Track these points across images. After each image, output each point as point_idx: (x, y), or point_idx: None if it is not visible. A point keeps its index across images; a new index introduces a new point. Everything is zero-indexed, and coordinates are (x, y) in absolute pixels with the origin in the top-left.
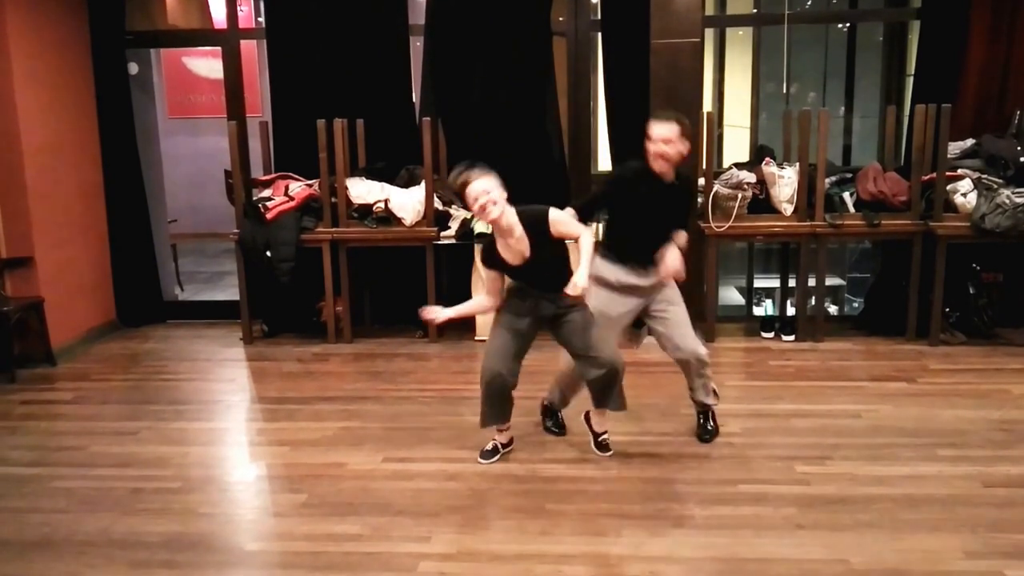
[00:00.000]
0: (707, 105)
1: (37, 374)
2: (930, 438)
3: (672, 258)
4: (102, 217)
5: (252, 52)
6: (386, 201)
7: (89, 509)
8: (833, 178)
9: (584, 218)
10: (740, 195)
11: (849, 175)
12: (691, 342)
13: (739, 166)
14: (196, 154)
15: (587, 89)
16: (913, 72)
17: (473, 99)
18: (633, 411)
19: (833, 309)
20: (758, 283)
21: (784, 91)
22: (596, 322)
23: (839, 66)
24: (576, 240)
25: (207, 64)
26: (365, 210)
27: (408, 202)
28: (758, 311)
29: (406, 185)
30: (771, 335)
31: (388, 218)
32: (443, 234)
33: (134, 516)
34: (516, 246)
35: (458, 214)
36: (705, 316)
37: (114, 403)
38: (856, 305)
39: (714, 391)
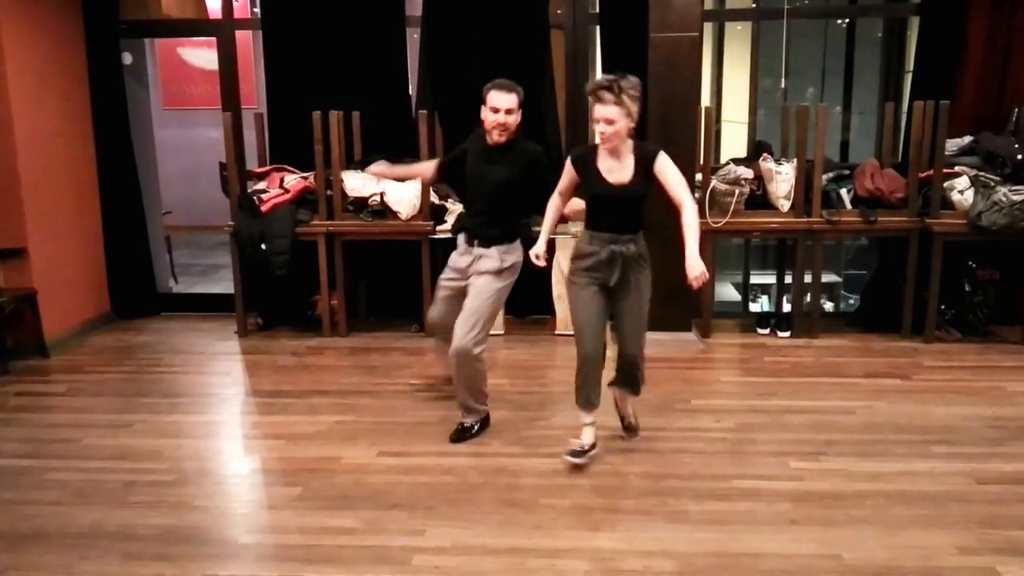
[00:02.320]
0: (705, 100)
1: (30, 366)
2: (924, 435)
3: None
4: (96, 208)
5: (248, 43)
6: (382, 194)
7: (83, 501)
8: (830, 174)
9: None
10: (737, 191)
11: (846, 171)
12: (460, 335)
13: (736, 162)
14: (191, 145)
15: (584, 80)
16: (912, 68)
17: (470, 92)
18: None
19: (829, 306)
20: (754, 279)
21: (782, 86)
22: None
23: (838, 62)
24: (676, 203)
25: (202, 55)
26: (361, 203)
27: (404, 196)
28: (754, 307)
29: (401, 179)
30: (767, 331)
31: (384, 211)
32: (439, 228)
33: (128, 509)
34: (618, 168)
35: (454, 208)
36: (701, 312)
37: (108, 395)
38: (852, 302)
39: (482, 398)
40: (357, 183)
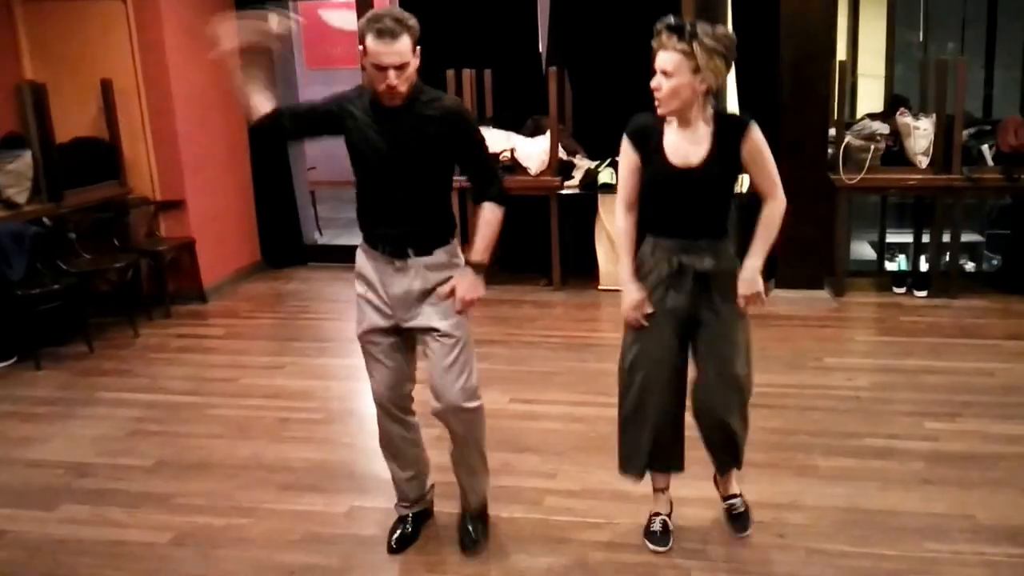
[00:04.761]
0: (840, 53)
1: (191, 310)
2: None
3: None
4: (246, 164)
5: (384, 4)
6: (512, 150)
7: (241, 436)
8: (971, 130)
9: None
10: (873, 147)
11: (988, 127)
12: (452, 390)
13: (872, 116)
14: None
15: None
16: None
17: (599, 49)
18: (758, 362)
19: (970, 266)
20: (891, 238)
21: (921, 39)
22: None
23: (980, 12)
24: (761, 200)
25: (341, 16)
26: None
27: (533, 151)
28: (890, 266)
29: (532, 135)
30: (903, 291)
31: (513, 167)
32: (567, 184)
33: (282, 443)
34: (689, 144)
35: (582, 164)
36: (835, 270)
37: (262, 339)
38: (995, 262)
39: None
40: (488, 140)
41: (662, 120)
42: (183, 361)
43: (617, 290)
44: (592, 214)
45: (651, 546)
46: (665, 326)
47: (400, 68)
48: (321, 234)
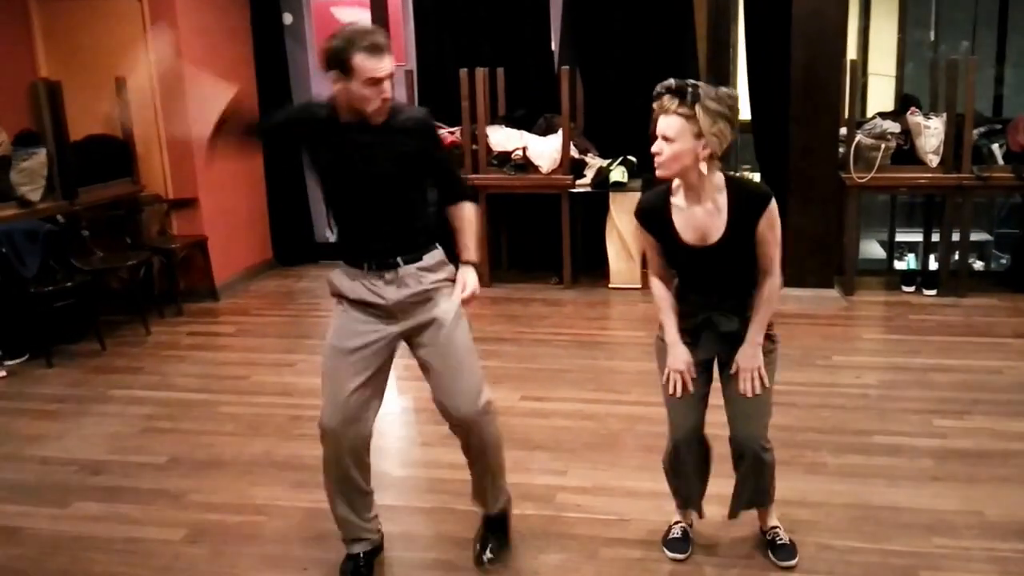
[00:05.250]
0: (851, 53)
1: (202, 308)
2: None
3: None
4: (259, 162)
5: (398, 2)
6: (524, 149)
7: (253, 433)
8: (982, 129)
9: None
10: (884, 145)
11: (999, 126)
12: (465, 399)
13: (883, 115)
14: None
15: (727, 34)
16: None
17: (611, 47)
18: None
19: (979, 265)
20: (900, 236)
21: (932, 38)
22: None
23: (992, 12)
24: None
25: (353, 14)
26: (504, 157)
27: (545, 150)
28: (899, 265)
29: (544, 133)
30: (912, 289)
31: (525, 165)
32: (578, 182)
33: (294, 441)
34: (702, 219)
35: (593, 162)
36: (844, 268)
37: (273, 336)
38: (1004, 262)
39: (507, 494)
40: (501, 138)
41: (668, 192)
42: (195, 359)
43: (628, 288)
44: (603, 212)
45: (669, 553)
46: (696, 362)
47: (390, 79)
48: (333, 232)
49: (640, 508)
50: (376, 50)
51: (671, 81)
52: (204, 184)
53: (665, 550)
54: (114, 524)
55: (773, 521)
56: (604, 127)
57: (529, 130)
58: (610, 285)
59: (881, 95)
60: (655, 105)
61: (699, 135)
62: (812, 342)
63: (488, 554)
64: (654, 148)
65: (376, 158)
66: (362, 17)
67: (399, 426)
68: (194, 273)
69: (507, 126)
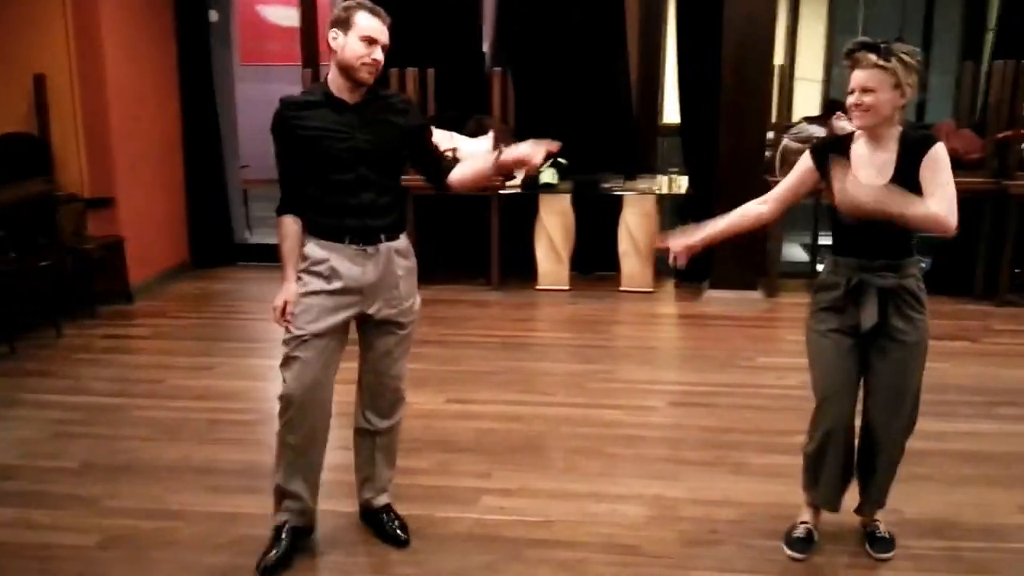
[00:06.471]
0: (778, 57)
1: (117, 310)
2: (991, 397)
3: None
4: (179, 161)
5: (326, 1)
6: (454, 150)
7: (170, 438)
8: None
9: None
10: None
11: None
12: (401, 380)
13: (809, 120)
14: (268, 101)
15: (658, 37)
16: (994, 27)
17: (542, 49)
18: (692, 361)
19: None
20: (823, 240)
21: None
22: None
23: (917, 19)
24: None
25: (279, 12)
26: None
27: (476, 152)
28: (821, 267)
29: (474, 135)
30: None
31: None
32: (508, 184)
33: (212, 445)
34: (877, 167)
35: None
36: (767, 271)
37: (190, 339)
38: (923, 264)
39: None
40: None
41: (849, 140)
42: (108, 362)
43: (555, 289)
44: (532, 214)
45: (789, 552)
46: (847, 342)
47: (383, 49)
48: (252, 233)
49: (565, 510)
50: (377, 14)
51: (863, 38)
52: (122, 183)
53: (785, 548)
54: (26, 530)
55: (878, 513)
56: (535, 129)
57: (459, 132)
58: (538, 287)
59: (808, 100)
60: (845, 62)
61: (896, 85)
62: (736, 343)
63: (404, 532)
64: (852, 100)
65: (369, 129)
66: (291, 16)
67: None
68: (109, 275)
69: (437, 127)
